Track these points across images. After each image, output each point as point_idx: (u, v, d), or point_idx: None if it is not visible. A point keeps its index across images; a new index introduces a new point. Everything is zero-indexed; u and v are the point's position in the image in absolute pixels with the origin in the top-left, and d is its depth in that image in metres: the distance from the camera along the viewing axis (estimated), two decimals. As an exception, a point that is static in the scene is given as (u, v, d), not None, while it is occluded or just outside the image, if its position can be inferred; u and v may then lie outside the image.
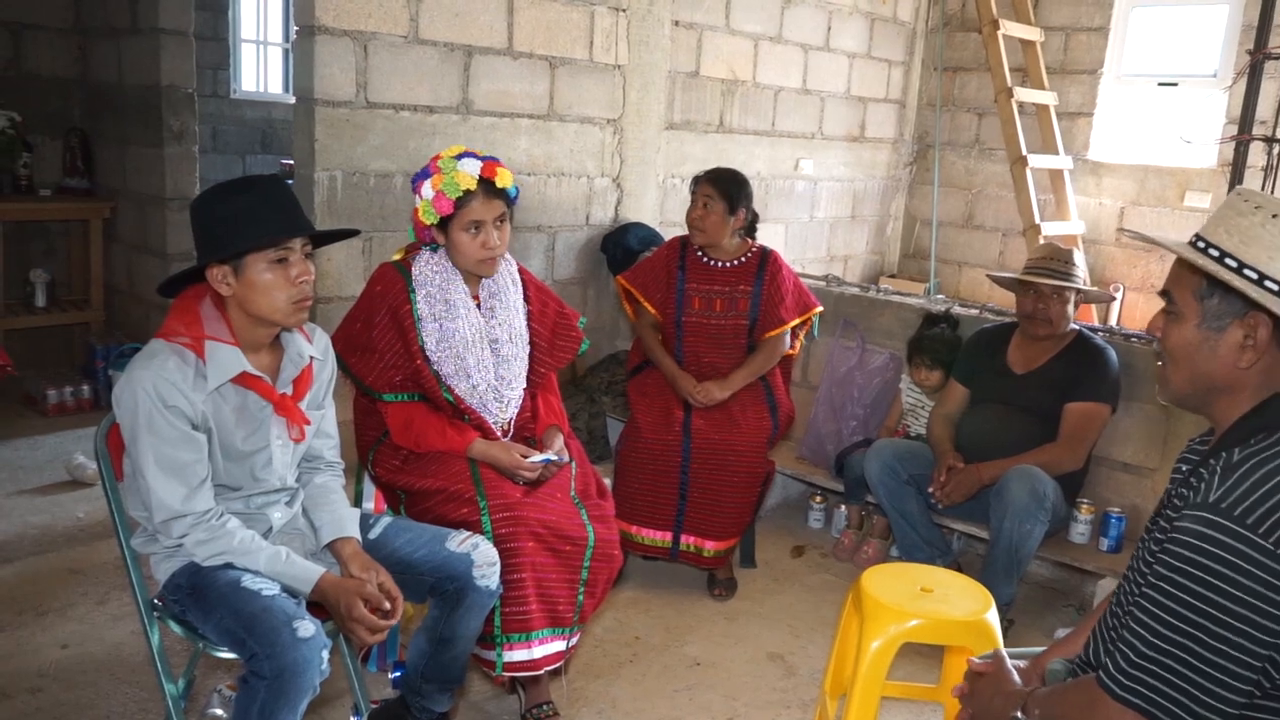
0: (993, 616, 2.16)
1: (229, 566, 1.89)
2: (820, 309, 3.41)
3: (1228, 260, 1.34)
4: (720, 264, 3.34)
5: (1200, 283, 1.38)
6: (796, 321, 3.33)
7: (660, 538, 3.17)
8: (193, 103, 4.60)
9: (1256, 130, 4.43)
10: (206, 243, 1.89)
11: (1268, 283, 1.32)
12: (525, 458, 2.43)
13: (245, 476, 2.00)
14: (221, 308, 1.93)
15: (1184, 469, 1.50)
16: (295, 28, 3.67)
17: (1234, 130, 4.71)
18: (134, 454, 1.87)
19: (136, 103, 4.65)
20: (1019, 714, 1.48)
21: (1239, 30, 5.63)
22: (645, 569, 3.31)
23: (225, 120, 7.24)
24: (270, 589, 1.86)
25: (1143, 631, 1.29)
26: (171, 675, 2.03)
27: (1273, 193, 4.35)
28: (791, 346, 3.45)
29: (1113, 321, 5.79)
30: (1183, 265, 1.42)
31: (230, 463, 1.97)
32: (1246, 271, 1.33)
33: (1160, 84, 6.13)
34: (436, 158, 2.40)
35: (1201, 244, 1.39)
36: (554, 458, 2.48)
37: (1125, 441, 3.26)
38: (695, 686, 2.75)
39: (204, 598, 1.87)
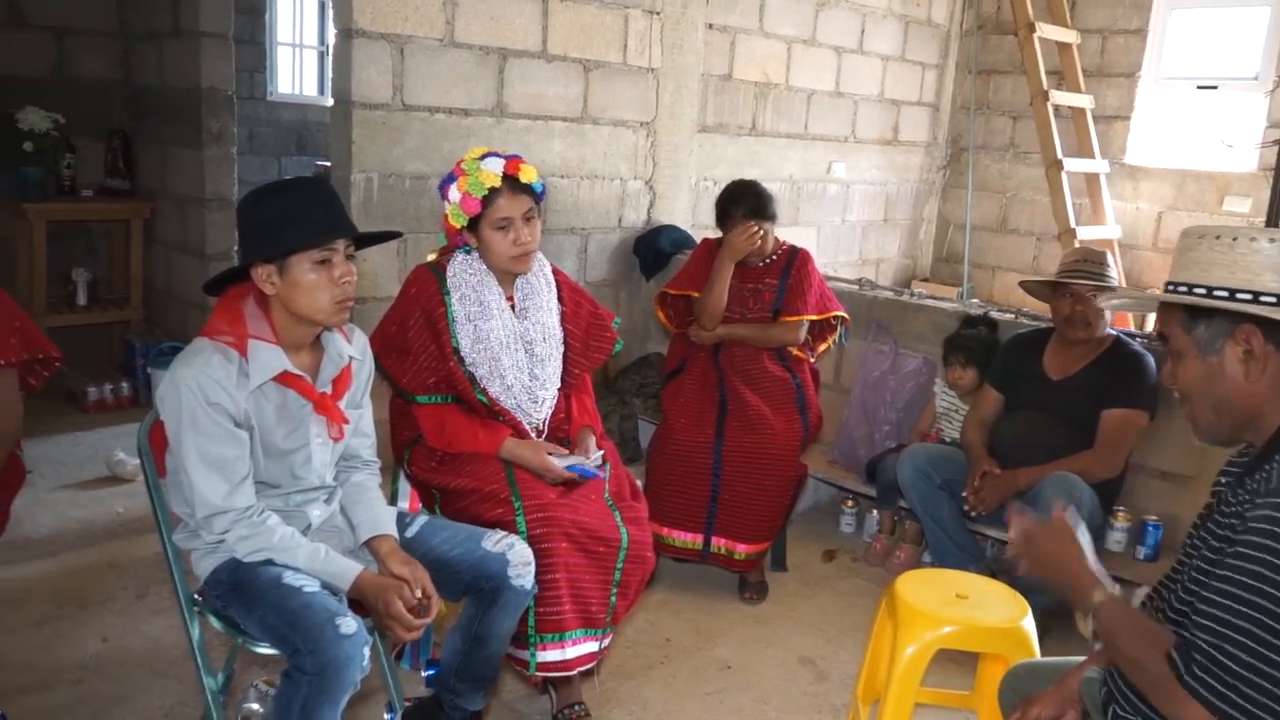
0: (1029, 624, 2.15)
1: (269, 563, 1.92)
2: (842, 313, 3.40)
3: (1196, 290, 1.42)
4: (755, 263, 3.35)
5: (1182, 316, 1.47)
6: (813, 317, 3.32)
7: (691, 540, 3.18)
8: (232, 105, 4.66)
9: (1299, 134, 4.37)
10: (252, 242, 1.92)
11: (1239, 295, 1.39)
12: (554, 455, 2.44)
13: (285, 474, 2.02)
14: (265, 307, 1.96)
15: (1224, 480, 1.49)
16: (333, 31, 3.72)
17: (1275, 134, 4.65)
18: (177, 450, 1.90)
19: (177, 105, 4.72)
20: (1093, 605, 1.46)
21: (1280, 33, 5.55)
22: (676, 571, 3.32)
23: (261, 122, 7.32)
24: (311, 585, 1.88)
25: (1211, 623, 1.28)
26: (211, 670, 2.06)
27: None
28: (815, 353, 3.43)
29: (1149, 328, 5.71)
30: (1165, 309, 1.50)
31: (270, 460, 1.99)
32: (1217, 293, 1.40)
33: (1199, 87, 6.05)
34: (460, 161, 2.43)
35: (1171, 286, 1.48)
36: (589, 468, 2.48)
37: (1163, 449, 3.22)
38: (726, 689, 2.74)
39: (246, 593, 1.89)
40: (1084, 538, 1.56)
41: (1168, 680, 1.32)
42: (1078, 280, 3.03)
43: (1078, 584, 1.51)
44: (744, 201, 3.28)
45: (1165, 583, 1.52)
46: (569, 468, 2.45)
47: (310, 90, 7.98)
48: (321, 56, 7.99)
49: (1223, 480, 1.51)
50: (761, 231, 3.25)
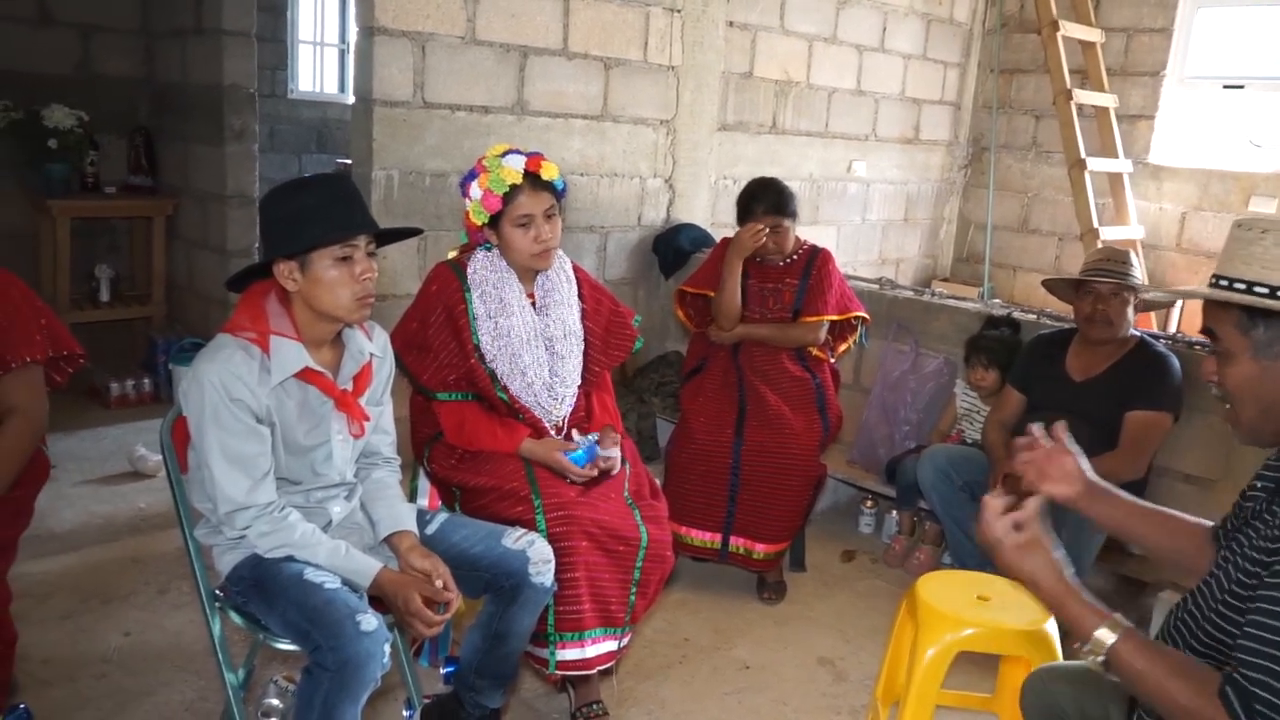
0: (1052, 627, 2.13)
1: (290, 559, 1.92)
2: (863, 313, 3.38)
3: (1257, 289, 1.34)
4: (775, 262, 3.34)
5: (1238, 315, 1.38)
6: (834, 317, 3.30)
7: (709, 539, 3.17)
8: (253, 102, 4.68)
9: (1327, 134, 4.32)
10: (274, 238, 1.92)
11: None
12: (566, 453, 2.43)
13: (306, 471, 2.03)
14: (286, 303, 1.96)
15: (1260, 485, 1.45)
16: (355, 29, 3.73)
17: (1303, 134, 4.60)
18: (200, 446, 1.91)
19: (199, 102, 4.74)
20: (1104, 644, 1.32)
21: (1309, 31, 5.48)
22: (694, 570, 3.31)
23: (282, 120, 7.35)
24: (332, 582, 1.89)
25: (1272, 654, 1.19)
26: (232, 665, 2.06)
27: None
28: (835, 353, 3.42)
29: (1173, 328, 5.66)
30: (1217, 306, 1.41)
31: (291, 457, 2.00)
32: None
33: (1225, 86, 5.99)
34: (481, 158, 2.43)
35: (1224, 282, 1.39)
36: (605, 450, 2.47)
37: (1187, 452, 3.19)
38: (745, 690, 2.74)
39: (267, 590, 1.90)
40: (1058, 550, 1.45)
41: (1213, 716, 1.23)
42: (1099, 279, 3.01)
43: (1069, 614, 1.39)
44: (765, 198, 3.26)
45: (1199, 593, 1.47)
46: (573, 456, 2.43)
47: (331, 88, 8.01)
48: (342, 54, 8.02)
49: (1258, 485, 1.47)
50: (766, 229, 3.23)
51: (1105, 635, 1.33)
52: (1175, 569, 1.64)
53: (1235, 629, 1.32)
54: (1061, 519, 2.81)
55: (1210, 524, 1.65)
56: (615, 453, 2.50)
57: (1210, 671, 1.29)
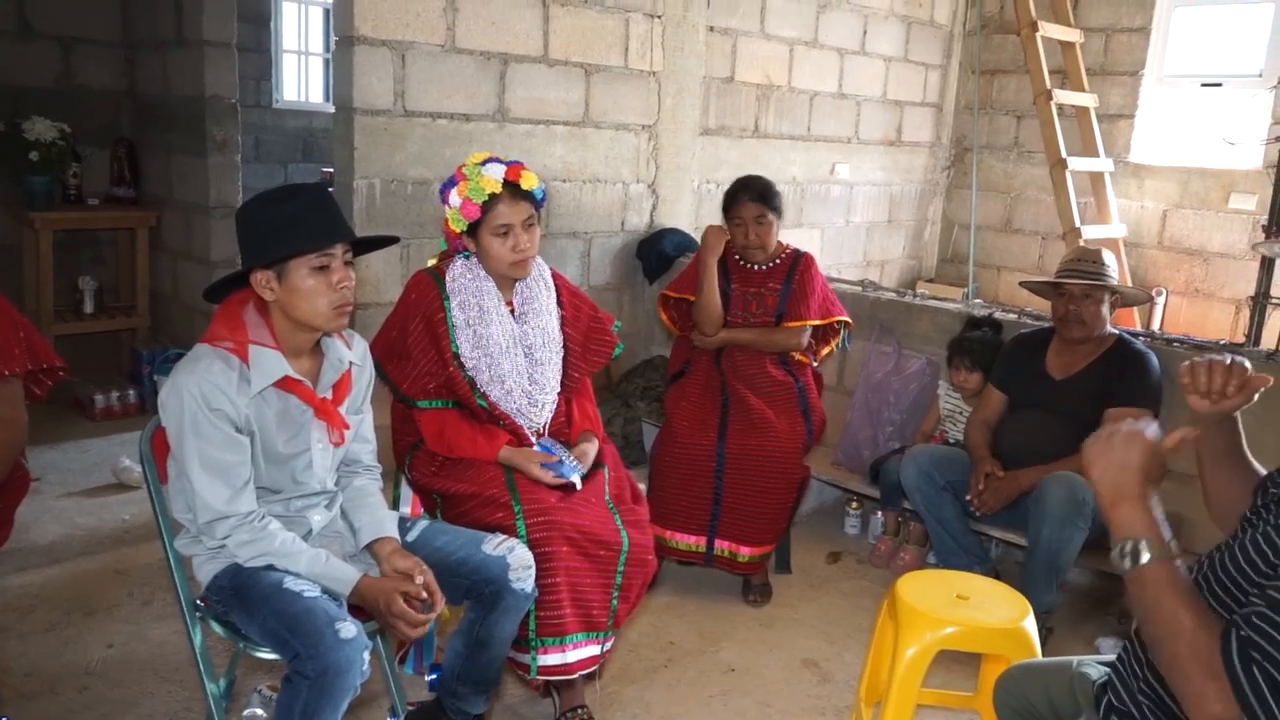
0: (1030, 625, 2.15)
1: (270, 568, 1.93)
2: (845, 318, 3.39)
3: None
4: (758, 266, 3.35)
5: None
6: (816, 322, 3.32)
7: (694, 542, 3.18)
8: (236, 113, 4.68)
9: (1303, 131, 4.36)
10: (251, 248, 1.93)
11: None
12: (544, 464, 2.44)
13: (286, 479, 2.04)
14: (265, 313, 1.97)
15: None
16: (335, 38, 3.73)
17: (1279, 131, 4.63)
18: (179, 456, 1.91)
19: (181, 113, 4.74)
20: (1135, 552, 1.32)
21: (1285, 29, 5.52)
22: (680, 574, 3.32)
23: (267, 129, 7.34)
24: (312, 590, 1.89)
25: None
26: (213, 675, 2.07)
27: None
28: (818, 357, 3.43)
29: (1155, 326, 5.70)
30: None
31: (271, 466, 2.00)
32: None
33: (1204, 85, 6.03)
34: (461, 166, 2.44)
35: None
36: (565, 465, 2.46)
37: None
38: (730, 692, 2.74)
39: (247, 599, 1.90)
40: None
41: (1211, 657, 1.22)
42: (1071, 280, 3.03)
43: (1131, 513, 1.37)
44: (750, 188, 3.29)
45: (1225, 548, 1.46)
46: (546, 465, 2.44)
47: (316, 97, 8.01)
48: (327, 64, 8.01)
49: None
50: (731, 223, 3.26)
51: (1142, 551, 1.33)
52: (1222, 521, 1.63)
53: (1249, 586, 1.33)
54: (1041, 515, 2.84)
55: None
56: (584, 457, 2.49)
57: (1218, 618, 1.29)
